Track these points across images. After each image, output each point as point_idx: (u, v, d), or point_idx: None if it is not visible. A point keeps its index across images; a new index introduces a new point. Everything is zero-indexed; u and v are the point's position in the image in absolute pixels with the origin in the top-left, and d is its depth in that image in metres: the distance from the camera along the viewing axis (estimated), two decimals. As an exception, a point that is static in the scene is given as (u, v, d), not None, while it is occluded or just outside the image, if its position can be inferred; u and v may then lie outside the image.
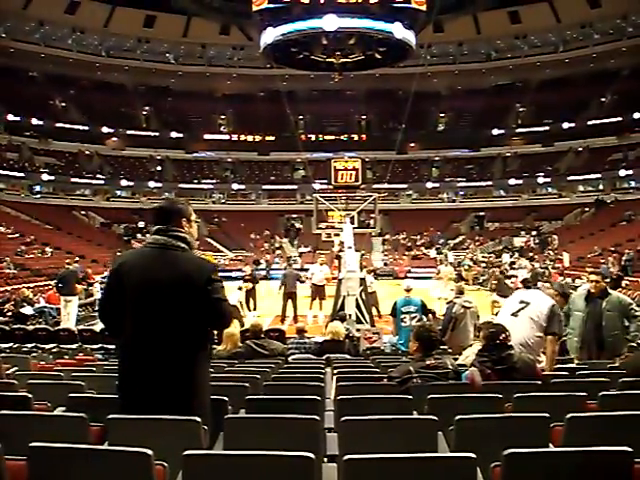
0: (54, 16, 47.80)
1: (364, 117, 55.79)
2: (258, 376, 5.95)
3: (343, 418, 3.79)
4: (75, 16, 48.43)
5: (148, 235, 3.90)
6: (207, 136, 54.18)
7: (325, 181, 40.13)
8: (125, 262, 3.69)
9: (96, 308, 20.54)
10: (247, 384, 5.33)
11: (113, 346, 3.57)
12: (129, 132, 52.34)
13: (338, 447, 3.87)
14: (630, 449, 2.85)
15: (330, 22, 25.59)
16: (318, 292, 19.31)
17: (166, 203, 3.94)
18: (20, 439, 3.09)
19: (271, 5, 25.73)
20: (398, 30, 26.75)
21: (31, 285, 23.66)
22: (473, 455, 2.85)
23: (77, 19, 48.67)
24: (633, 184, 46.95)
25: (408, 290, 11.98)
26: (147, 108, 54.53)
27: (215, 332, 3.91)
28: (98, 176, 50.51)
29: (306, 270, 23.21)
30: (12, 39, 48.17)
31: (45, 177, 48.04)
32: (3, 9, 45.94)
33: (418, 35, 29.33)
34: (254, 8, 26.38)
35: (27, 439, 2.93)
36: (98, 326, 15.68)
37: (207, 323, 3.71)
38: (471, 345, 7.95)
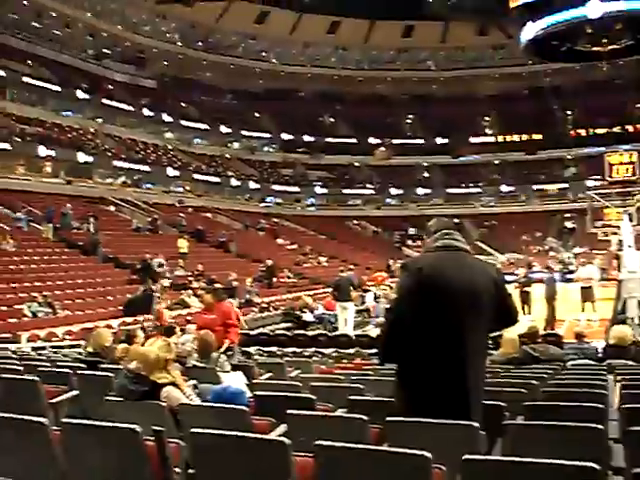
0: (317, 37, 50.71)
1: (638, 106, 52.22)
2: (535, 382, 5.79)
3: (630, 428, 3.58)
4: (336, 35, 50.87)
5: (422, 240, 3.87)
6: (472, 139, 53.74)
7: (599, 177, 38.32)
8: (424, 266, 3.54)
9: (372, 314, 21.14)
10: (524, 390, 5.22)
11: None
12: (395, 141, 53.44)
13: (624, 459, 3.66)
14: None
15: (594, 8, 24.37)
16: (587, 294, 18.42)
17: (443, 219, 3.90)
18: (306, 437, 3.27)
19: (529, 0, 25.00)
20: (671, 8, 24.84)
21: (310, 293, 24.90)
22: None
23: (338, 37, 51.16)
24: None
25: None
26: (411, 116, 55.41)
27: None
28: (368, 186, 52.15)
29: (573, 272, 22.18)
30: (282, 63, 51.74)
31: (318, 190, 50.67)
32: (271, 36, 49.62)
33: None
34: (512, 5, 25.83)
35: (313, 437, 3.09)
36: (374, 332, 16.15)
37: (499, 323, 3.74)
38: None
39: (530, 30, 26.11)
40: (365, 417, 3.84)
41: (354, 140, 53.03)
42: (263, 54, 52.04)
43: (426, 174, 53.50)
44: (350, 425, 3.93)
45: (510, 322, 3.78)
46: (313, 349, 12.48)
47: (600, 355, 8.51)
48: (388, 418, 3.61)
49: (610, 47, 26.87)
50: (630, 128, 50.69)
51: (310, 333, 15.35)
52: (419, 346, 3.47)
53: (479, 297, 3.49)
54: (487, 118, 55.34)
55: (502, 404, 4.35)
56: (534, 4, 24.92)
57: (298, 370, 8.26)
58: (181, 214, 33.96)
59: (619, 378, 6.16)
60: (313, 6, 41.79)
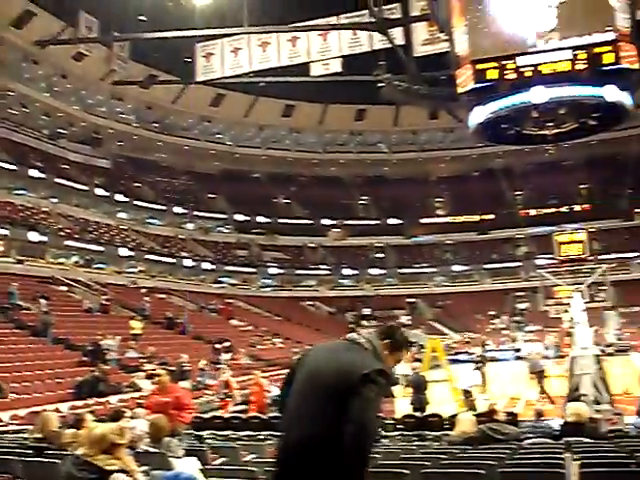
0: (272, 120, 51.83)
1: (585, 186, 53.64)
2: (492, 462, 5.73)
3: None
4: (291, 118, 51.94)
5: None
6: (425, 220, 54.54)
7: (549, 256, 38.98)
8: (308, 351, 3.71)
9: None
10: (482, 471, 5.16)
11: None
12: (349, 222, 53.97)
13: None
14: None
15: (538, 94, 25.04)
16: (536, 372, 19.12)
17: (390, 327, 3.74)
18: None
19: (477, 85, 25.68)
20: (610, 93, 25.61)
21: (265, 374, 24.53)
22: None
23: (293, 120, 52.35)
24: None
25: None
26: (364, 198, 56.10)
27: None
28: (322, 267, 52.30)
29: (519, 350, 22.69)
30: (236, 145, 52.46)
31: (273, 271, 50.60)
32: (226, 119, 50.48)
33: (634, 95, 28.05)
34: (460, 90, 26.47)
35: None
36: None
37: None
38: None
39: (478, 114, 26.68)
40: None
41: (308, 221, 53.41)
42: (218, 136, 52.71)
43: (380, 254, 53.89)
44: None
45: (347, 441, 3.17)
46: (268, 432, 12.22)
47: (557, 433, 8.46)
48: None
49: (555, 130, 27.60)
50: (577, 207, 52.01)
51: (264, 416, 15.04)
52: (282, 423, 3.52)
53: (322, 386, 3.34)
54: (439, 199, 56.31)
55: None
56: (481, 90, 25.58)
57: (253, 454, 8.07)
58: (145, 298, 33.56)
59: (576, 456, 6.13)
60: (268, 90, 42.57)
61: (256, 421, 13.87)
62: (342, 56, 31.75)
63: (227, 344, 29.99)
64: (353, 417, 3.16)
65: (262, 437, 11.32)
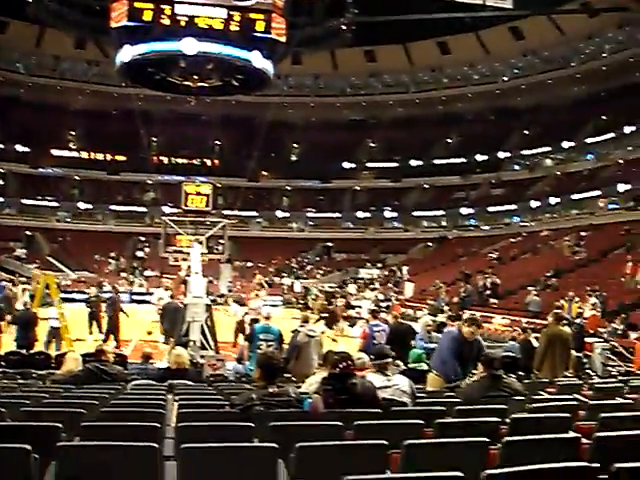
0: None
1: (218, 143, 55.65)
2: (96, 402, 5.75)
3: (183, 445, 3.73)
4: None
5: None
6: (55, 152, 52.10)
7: (175, 205, 39.75)
8: None
9: None
10: (83, 410, 5.15)
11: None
12: (-31, 142, 49.65)
13: (177, 475, 3.80)
14: (462, 474, 2.97)
15: (189, 45, 25.36)
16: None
17: None
18: None
19: (130, 23, 25.15)
20: (256, 59, 26.90)
21: None
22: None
23: None
24: (473, 222, 49.40)
25: (268, 317, 11.98)
26: (-10, 119, 51.88)
27: None
28: None
29: (151, 294, 23.08)
30: None
31: None
32: None
33: (276, 65, 29.67)
34: (112, 24, 25.70)
35: None
36: None
37: None
38: (314, 373, 8.02)
39: (127, 53, 26.23)
40: None
41: None
42: None
43: (1, 181, 50.49)
44: None
45: None
46: None
47: (162, 375, 8.75)
48: None
49: (200, 84, 28.17)
50: (208, 162, 53.84)
51: None
52: None
53: None
54: (73, 132, 54.26)
55: (58, 425, 4.23)
56: (134, 28, 25.14)
57: None
58: None
59: (178, 398, 6.40)
60: None
61: None
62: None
63: None
64: None
65: None
